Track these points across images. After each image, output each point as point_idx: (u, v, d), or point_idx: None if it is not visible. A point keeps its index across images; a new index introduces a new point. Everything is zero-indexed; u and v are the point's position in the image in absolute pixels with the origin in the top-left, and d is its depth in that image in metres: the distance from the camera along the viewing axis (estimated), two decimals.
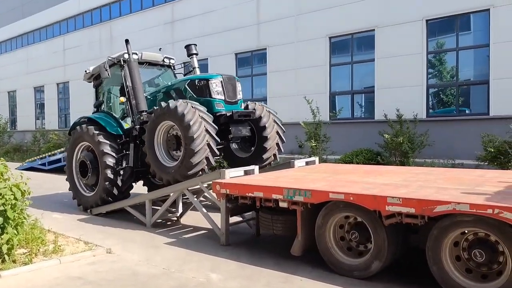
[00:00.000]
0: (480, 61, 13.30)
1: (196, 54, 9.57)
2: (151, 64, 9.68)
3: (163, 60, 9.84)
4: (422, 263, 4.72)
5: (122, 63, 8.91)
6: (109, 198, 8.60)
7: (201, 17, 19.48)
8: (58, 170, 17.79)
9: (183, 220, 8.43)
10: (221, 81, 7.89)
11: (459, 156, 12.29)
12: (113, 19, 24.15)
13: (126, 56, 8.83)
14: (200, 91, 7.92)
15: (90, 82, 10.22)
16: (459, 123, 13.01)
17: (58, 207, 9.84)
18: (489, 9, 12.44)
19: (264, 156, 8.29)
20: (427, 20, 13.59)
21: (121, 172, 8.49)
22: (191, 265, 5.76)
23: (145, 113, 8.32)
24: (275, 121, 8.44)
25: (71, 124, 10.57)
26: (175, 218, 8.47)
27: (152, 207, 8.11)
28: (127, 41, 8.81)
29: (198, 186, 7.37)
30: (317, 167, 8.02)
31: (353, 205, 4.98)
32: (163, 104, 7.54)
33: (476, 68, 13.48)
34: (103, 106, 9.88)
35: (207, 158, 7.16)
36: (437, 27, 13.76)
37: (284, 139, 8.62)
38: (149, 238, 7.27)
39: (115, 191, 8.56)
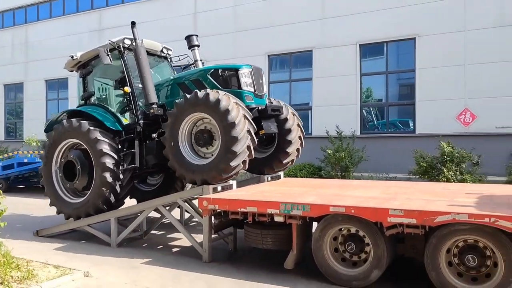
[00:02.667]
0: (407, 84, 14.74)
1: (198, 46, 8.87)
2: (150, 53, 8.59)
3: (162, 51, 8.92)
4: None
5: (123, 49, 7.94)
6: (104, 207, 7.56)
7: None
8: None
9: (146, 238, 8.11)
10: (251, 72, 7.29)
11: (391, 170, 13.40)
12: (30, 23, 22.35)
13: (127, 41, 7.91)
14: (225, 82, 7.24)
15: (73, 71, 9.03)
16: (389, 140, 14.21)
17: None
18: (415, 37, 13.88)
19: (285, 160, 7.96)
20: (360, 45, 14.74)
21: (121, 176, 7.53)
22: (185, 285, 5.58)
23: (155, 105, 7.50)
24: (294, 115, 8.11)
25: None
26: (139, 236, 8.11)
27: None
28: (133, 23, 7.85)
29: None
30: (288, 182, 8.22)
31: (353, 217, 5.25)
32: (188, 96, 6.84)
33: (403, 90, 14.91)
34: (93, 99, 8.64)
35: (248, 147, 6.51)
36: (369, 51, 14.97)
37: (303, 143, 8.29)
38: (121, 258, 6.84)
39: (112, 198, 7.51)
